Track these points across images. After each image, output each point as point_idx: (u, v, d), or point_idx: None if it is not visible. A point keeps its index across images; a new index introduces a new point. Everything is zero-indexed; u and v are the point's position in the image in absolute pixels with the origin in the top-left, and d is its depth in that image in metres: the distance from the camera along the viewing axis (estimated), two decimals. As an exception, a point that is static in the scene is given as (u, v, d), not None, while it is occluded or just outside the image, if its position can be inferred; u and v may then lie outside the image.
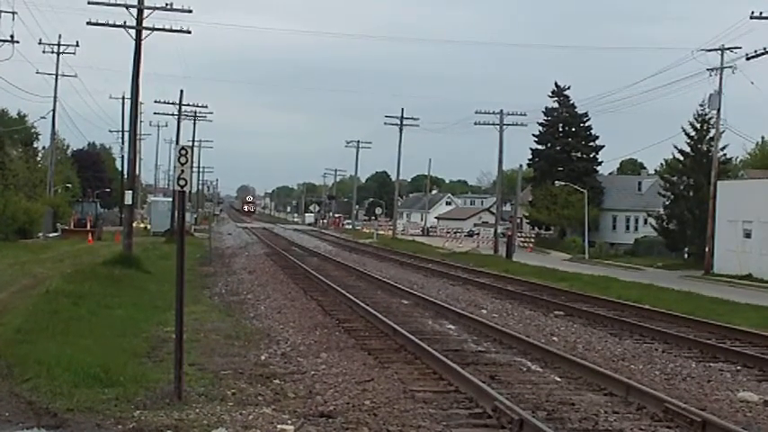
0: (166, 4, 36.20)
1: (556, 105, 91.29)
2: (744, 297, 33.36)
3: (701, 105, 63.72)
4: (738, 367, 16.59)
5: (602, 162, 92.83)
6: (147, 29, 36.33)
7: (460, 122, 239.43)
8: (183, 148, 12.13)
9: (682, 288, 36.05)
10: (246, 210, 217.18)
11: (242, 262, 42.92)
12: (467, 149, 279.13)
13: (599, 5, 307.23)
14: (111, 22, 37.08)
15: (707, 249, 53.09)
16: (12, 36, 47.55)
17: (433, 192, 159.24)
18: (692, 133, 65.35)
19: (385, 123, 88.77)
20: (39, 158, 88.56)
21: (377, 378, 13.78)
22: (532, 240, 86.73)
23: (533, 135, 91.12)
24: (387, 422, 11.01)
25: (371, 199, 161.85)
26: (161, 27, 36.90)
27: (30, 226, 53.44)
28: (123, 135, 78.41)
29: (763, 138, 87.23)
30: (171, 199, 64.26)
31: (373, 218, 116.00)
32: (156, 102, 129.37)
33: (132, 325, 17.99)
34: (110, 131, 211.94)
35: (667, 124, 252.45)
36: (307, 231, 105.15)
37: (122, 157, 78.00)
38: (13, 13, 59.68)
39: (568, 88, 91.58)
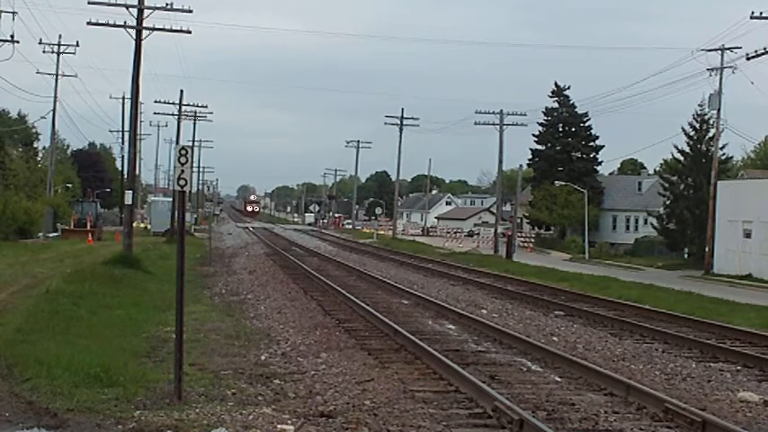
0: (166, 4, 36.23)
1: (556, 105, 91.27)
2: (744, 297, 33.38)
3: (701, 105, 63.88)
4: (738, 367, 16.59)
5: (602, 162, 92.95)
6: (147, 29, 36.33)
7: (460, 122, 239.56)
8: (183, 148, 12.11)
9: (682, 288, 36.06)
10: (250, 210, 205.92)
11: (242, 262, 42.92)
12: (467, 149, 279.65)
13: (599, 5, 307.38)
14: (111, 22, 37.10)
15: (707, 249, 53.10)
16: (12, 36, 47.47)
17: (433, 192, 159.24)
18: (692, 133, 65.39)
19: (385, 123, 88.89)
20: (39, 158, 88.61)
21: (377, 378, 13.78)
22: (532, 240, 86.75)
23: (533, 135, 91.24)
24: (387, 422, 11.01)
25: (371, 199, 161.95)
26: (161, 27, 36.94)
27: (30, 226, 53.42)
28: (123, 135, 78.48)
29: (766, 137, 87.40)
30: (171, 199, 64.26)
31: (373, 218, 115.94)
32: (156, 102, 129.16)
33: (132, 325, 17.98)
34: (110, 131, 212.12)
35: (667, 124, 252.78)
36: (307, 231, 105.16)
37: (122, 157, 78.15)
38: (14, 13, 59.86)
39: (568, 88, 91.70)
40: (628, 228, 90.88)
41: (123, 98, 77.24)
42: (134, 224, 43.77)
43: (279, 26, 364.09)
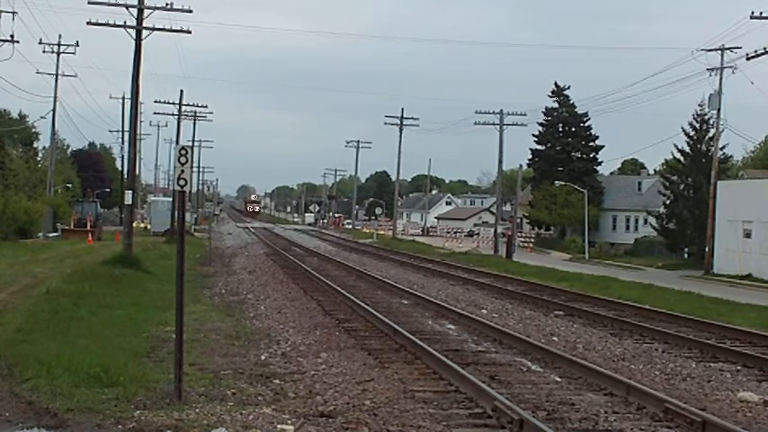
0: (166, 4, 36.23)
1: (556, 105, 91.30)
2: (744, 297, 33.37)
3: (701, 105, 63.88)
4: (738, 367, 16.59)
5: (602, 162, 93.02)
6: (147, 29, 36.33)
7: (460, 122, 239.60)
8: (183, 148, 12.11)
9: (682, 288, 36.04)
10: (250, 210, 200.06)
11: (242, 262, 42.92)
12: (467, 149, 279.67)
13: (599, 5, 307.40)
14: (111, 22, 37.09)
15: (707, 249, 53.09)
16: (12, 36, 47.47)
17: (433, 192, 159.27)
18: (692, 133, 65.38)
19: (385, 123, 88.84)
20: (39, 158, 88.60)
21: (377, 378, 13.78)
22: (532, 240, 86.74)
23: (533, 135, 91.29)
24: (387, 422, 11.01)
25: (371, 199, 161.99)
26: (161, 27, 36.94)
27: (30, 226, 53.42)
28: (123, 135, 78.52)
29: (766, 137, 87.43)
30: (171, 199, 64.27)
31: (373, 218, 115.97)
32: (156, 102, 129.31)
33: (132, 325, 17.98)
34: (110, 131, 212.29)
35: (667, 124, 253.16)
36: (307, 231, 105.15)
37: (122, 157, 78.18)
38: (13, 13, 59.80)
39: (568, 88, 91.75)
40: (628, 228, 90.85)
41: (123, 98, 77.38)
42: (134, 224, 43.76)
43: (279, 26, 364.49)
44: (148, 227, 76.50)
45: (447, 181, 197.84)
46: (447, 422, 11.15)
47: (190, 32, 38.20)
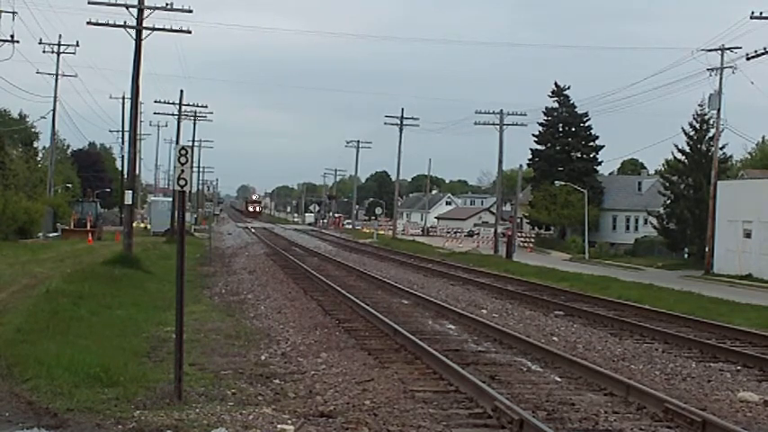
0: (166, 4, 36.24)
1: (556, 105, 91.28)
2: (744, 297, 33.37)
3: (701, 105, 63.91)
4: (738, 367, 16.58)
5: (602, 162, 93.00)
6: (147, 29, 36.33)
7: (460, 122, 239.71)
8: (183, 148, 12.11)
9: (682, 288, 36.05)
10: (252, 210, 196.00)
11: (242, 262, 42.91)
12: (467, 149, 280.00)
13: (599, 5, 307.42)
14: (111, 22, 37.11)
15: (707, 249, 53.10)
16: (12, 36, 47.47)
17: (433, 192, 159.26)
18: (692, 133, 65.40)
19: (385, 123, 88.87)
20: (39, 158, 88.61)
21: (377, 378, 13.77)
22: (532, 240, 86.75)
23: (533, 135, 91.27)
24: (387, 422, 11.00)
25: (371, 199, 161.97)
26: (161, 27, 36.95)
27: (30, 226, 53.43)
28: (123, 135, 78.50)
29: (763, 137, 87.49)
30: (171, 199, 64.27)
31: (373, 218, 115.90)
32: (156, 102, 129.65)
33: (132, 325, 17.98)
34: (110, 131, 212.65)
35: (667, 124, 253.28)
36: (307, 231, 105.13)
37: (122, 157, 78.14)
38: (14, 13, 59.89)
39: (568, 88, 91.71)
40: (628, 228, 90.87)
41: (123, 98, 77.38)
42: (134, 224, 43.76)
43: (279, 26, 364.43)
44: (148, 227, 76.50)
45: (447, 181, 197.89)
46: (447, 422, 11.15)
47: (190, 32, 38.24)
